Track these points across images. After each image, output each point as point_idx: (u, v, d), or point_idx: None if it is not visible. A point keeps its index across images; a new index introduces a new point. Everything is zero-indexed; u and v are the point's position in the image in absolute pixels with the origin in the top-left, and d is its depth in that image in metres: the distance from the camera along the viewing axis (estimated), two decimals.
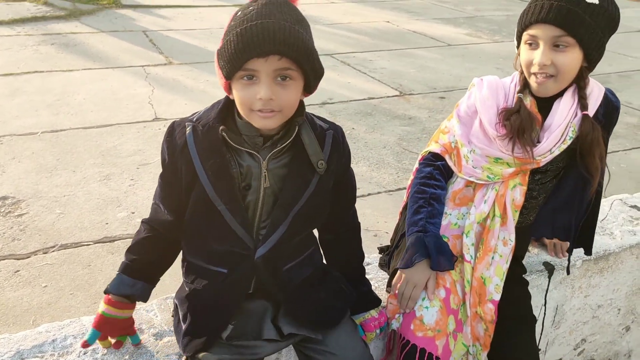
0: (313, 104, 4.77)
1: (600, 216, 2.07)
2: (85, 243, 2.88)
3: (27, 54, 5.76)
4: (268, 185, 1.24)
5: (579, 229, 1.69)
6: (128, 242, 2.90)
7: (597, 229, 1.99)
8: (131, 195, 3.32)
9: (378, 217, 3.23)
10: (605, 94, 1.56)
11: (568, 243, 1.78)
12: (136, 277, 1.33)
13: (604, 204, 2.17)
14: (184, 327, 1.28)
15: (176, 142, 1.24)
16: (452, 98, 5.15)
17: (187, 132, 1.23)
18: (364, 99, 5.02)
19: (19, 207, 3.15)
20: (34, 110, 4.42)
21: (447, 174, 1.65)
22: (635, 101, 5.39)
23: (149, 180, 3.48)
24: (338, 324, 1.37)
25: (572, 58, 1.41)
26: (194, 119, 1.26)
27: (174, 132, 1.25)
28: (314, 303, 1.35)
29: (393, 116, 4.71)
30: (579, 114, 1.49)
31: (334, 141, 1.31)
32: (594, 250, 1.86)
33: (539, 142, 1.50)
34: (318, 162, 1.26)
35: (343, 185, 1.39)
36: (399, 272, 1.54)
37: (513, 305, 1.58)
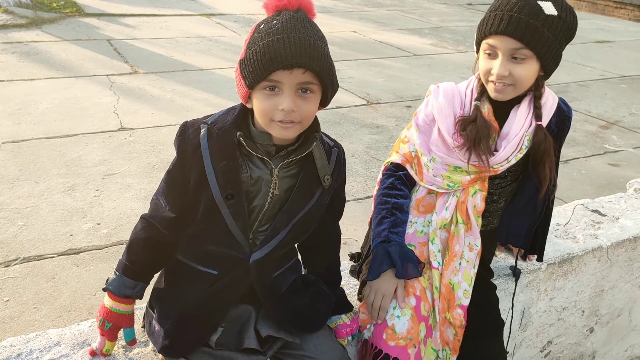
0: None
1: (563, 220, 2.13)
2: (49, 255, 2.82)
3: None
4: (277, 192, 1.27)
5: (531, 235, 1.73)
6: (93, 254, 2.87)
7: (561, 233, 2.04)
8: (96, 206, 3.26)
9: (347, 225, 3.24)
10: (558, 104, 1.60)
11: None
12: (137, 279, 1.34)
13: (567, 208, 2.23)
14: (163, 328, 1.27)
15: (189, 142, 1.26)
16: (418, 107, 5.22)
17: (202, 133, 1.25)
18: (332, 108, 5.05)
19: None
20: None
21: (410, 182, 1.66)
22: (594, 110, 5.56)
23: (115, 190, 3.43)
24: (320, 328, 1.40)
25: (529, 69, 1.44)
26: (209, 121, 1.27)
27: (186, 132, 1.27)
28: (297, 308, 1.37)
29: (361, 125, 4.75)
30: (534, 123, 1.53)
31: (338, 159, 1.36)
32: (558, 253, 1.91)
33: (496, 150, 1.53)
34: (325, 176, 1.31)
35: (338, 200, 1.45)
36: (367, 284, 1.56)
37: (481, 310, 1.60)
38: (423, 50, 7.42)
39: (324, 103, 1.25)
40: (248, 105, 1.24)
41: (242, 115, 1.28)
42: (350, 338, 1.51)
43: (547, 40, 1.40)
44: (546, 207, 1.69)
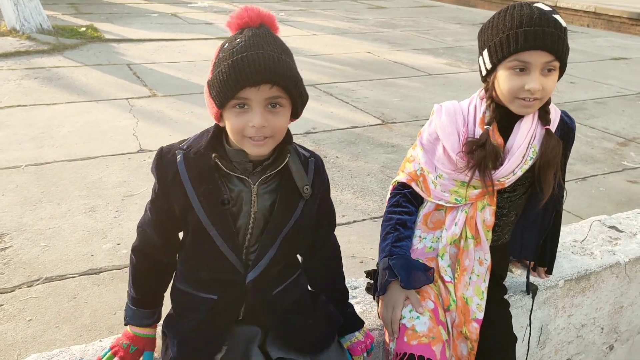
0: (297, 134, 4.82)
1: (580, 237, 2.13)
2: (71, 275, 2.86)
3: (10, 87, 5.76)
4: (257, 209, 1.28)
5: (539, 247, 1.76)
6: (114, 274, 2.92)
7: (578, 250, 2.04)
8: (116, 227, 3.32)
9: (364, 243, 3.25)
10: (561, 116, 1.63)
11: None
12: (152, 307, 1.41)
13: (584, 225, 2.22)
14: (172, 353, 1.29)
15: (167, 169, 1.27)
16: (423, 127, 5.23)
17: (178, 159, 1.26)
18: (347, 128, 5.09)
19: (2, 240, 3.12)
20: (18, 144, 4.41)
21: (416, 200, 1.70)
22: (611, 127, 5.52)
23: (135, 211, 3.48)
24: (326, 349, 1.39)
25: (554, 80, 1.49)
26: (184, 146, 1.29)
27: (163, 159, 1.29)
28: (302, 329, 1.37)
29: (376, 144, 4.78)
30: (538, 134, 1.56)
31: (316, 168, 1.37)
32: (575, 270, 1.91)
33: (501, 164, 1.56)
34: (304, 187, 1.31)
35: (325, 211, 1.44)
36: (379, 300, 1.59)
37: (494, 326, 1.60)
38: (438, 69, 7.46)
39: (294, 115, 1.28)
40: (221, 124, 1.27)
41: (216, 136, 1.30)
42: (365, 354, 1.53)
43: (567, 50, 1.47)
44: (554, 218, 1.70)
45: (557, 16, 1.46)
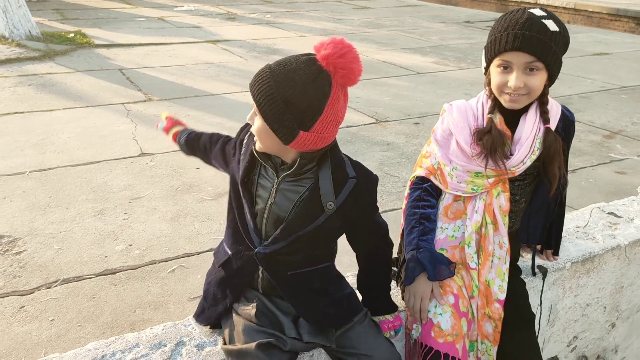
0: None
1: (582, 223, 2.26)
2: (87, 276, 2.93)
3: (4, 95, 5.78)
4: (273, 201, 1.40)
5: (545, 231, 1.90)
6: (129, 273, 3.00)
7: (581, 235, 2.17)
8: (127, 229, 3.39)
9: None
10: (562, 110, 1.78)
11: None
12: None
13: (584, 212, 2.36)
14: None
15: (243, 135, 1.52)
16: (426, 123, 5.37)
17: (249, 133, 1.47)
18: (343, 127, 5.20)
19: (16, 245, 3.18)
20: (20, 150, 4.45)
21: (436, 193, 1.81)
22: (597, 120, 5.70)
23: (143, 213, 3.56)
24: (345, 324, 1.52)
25: (540, 79, 1.62)
26: None
27: (246, 127, 1.52)
28: (325, 315, 1.48)
29: (372, 142, 4.90)
30: (542, 128, 1.70)
31: (355, 189, 1.41)
32: (580, 253, 2.04)
33: (511, 154, 1.69)
34: (327, 203, 1.36)
35: (363, 227, 1.53)
36: (405, 289, 1.71)
37: (513, 304, 1.73)
38: (426, 68, 7.61)
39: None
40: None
41: None
42: (393, 333, 1.64)
43: (554, 52, 1.59)
44: (559, 203, 1.85)
45: (547, 21, 1.60)
